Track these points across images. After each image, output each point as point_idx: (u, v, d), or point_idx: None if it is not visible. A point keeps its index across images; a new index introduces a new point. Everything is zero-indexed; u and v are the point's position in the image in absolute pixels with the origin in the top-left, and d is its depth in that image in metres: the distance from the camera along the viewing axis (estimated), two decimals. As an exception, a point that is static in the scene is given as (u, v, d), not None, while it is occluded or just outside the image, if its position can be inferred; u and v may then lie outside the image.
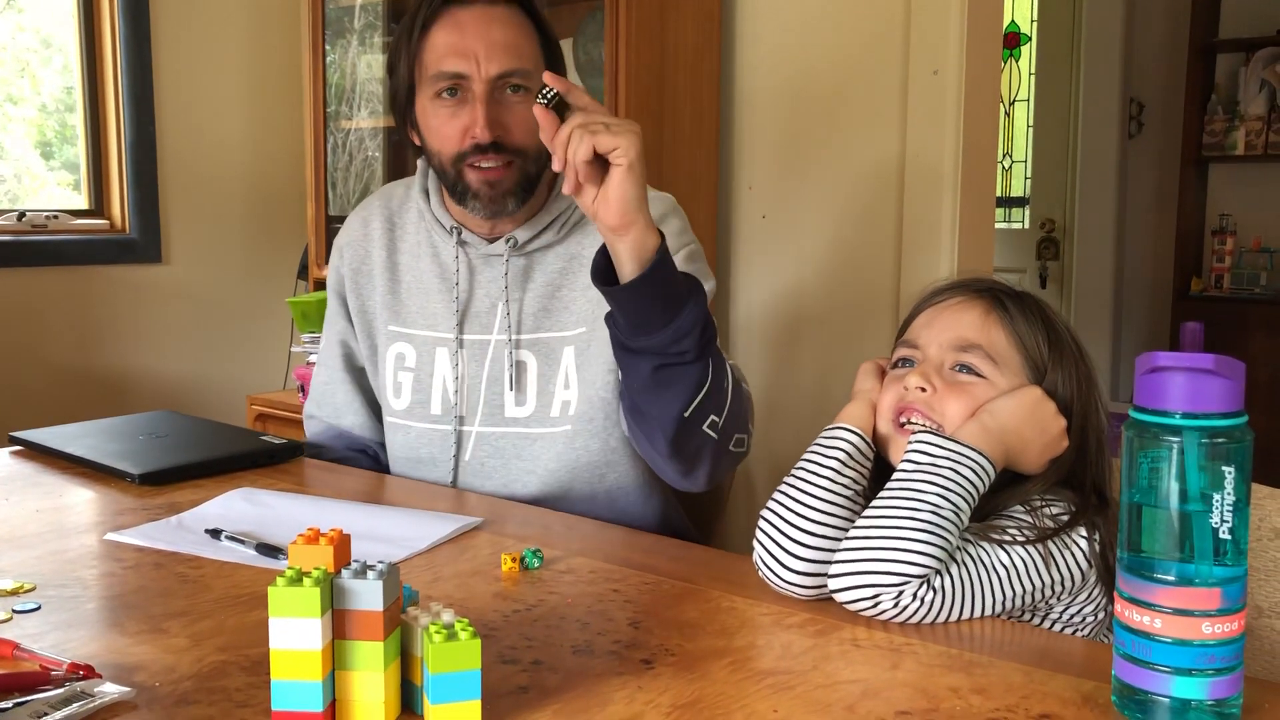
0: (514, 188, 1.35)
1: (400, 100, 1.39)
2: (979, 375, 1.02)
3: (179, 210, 3.08)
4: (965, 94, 2.19)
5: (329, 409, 1.56)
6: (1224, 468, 0.70)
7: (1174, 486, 0.71)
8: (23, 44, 2.92)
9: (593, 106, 1.13)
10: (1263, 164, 4.26)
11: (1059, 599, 0.98)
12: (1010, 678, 0.81)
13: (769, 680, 0.81)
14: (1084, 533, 0.97)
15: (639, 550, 1.13)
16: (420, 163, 1.47)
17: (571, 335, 1.38)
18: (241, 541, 1.10)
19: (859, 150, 2.34)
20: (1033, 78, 4.52)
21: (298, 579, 0.71)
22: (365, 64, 2.89)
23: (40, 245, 2.83)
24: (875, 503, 0.96)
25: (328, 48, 2.84)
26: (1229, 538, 0.70)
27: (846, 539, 0.95)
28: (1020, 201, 4.63)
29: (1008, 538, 0.95)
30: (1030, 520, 0.97)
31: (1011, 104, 4.54)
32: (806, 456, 1.03)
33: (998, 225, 4.43)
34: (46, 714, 0.72)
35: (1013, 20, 4.44)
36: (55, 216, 2.90)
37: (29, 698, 0.74)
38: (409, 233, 1.49)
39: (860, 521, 0.95)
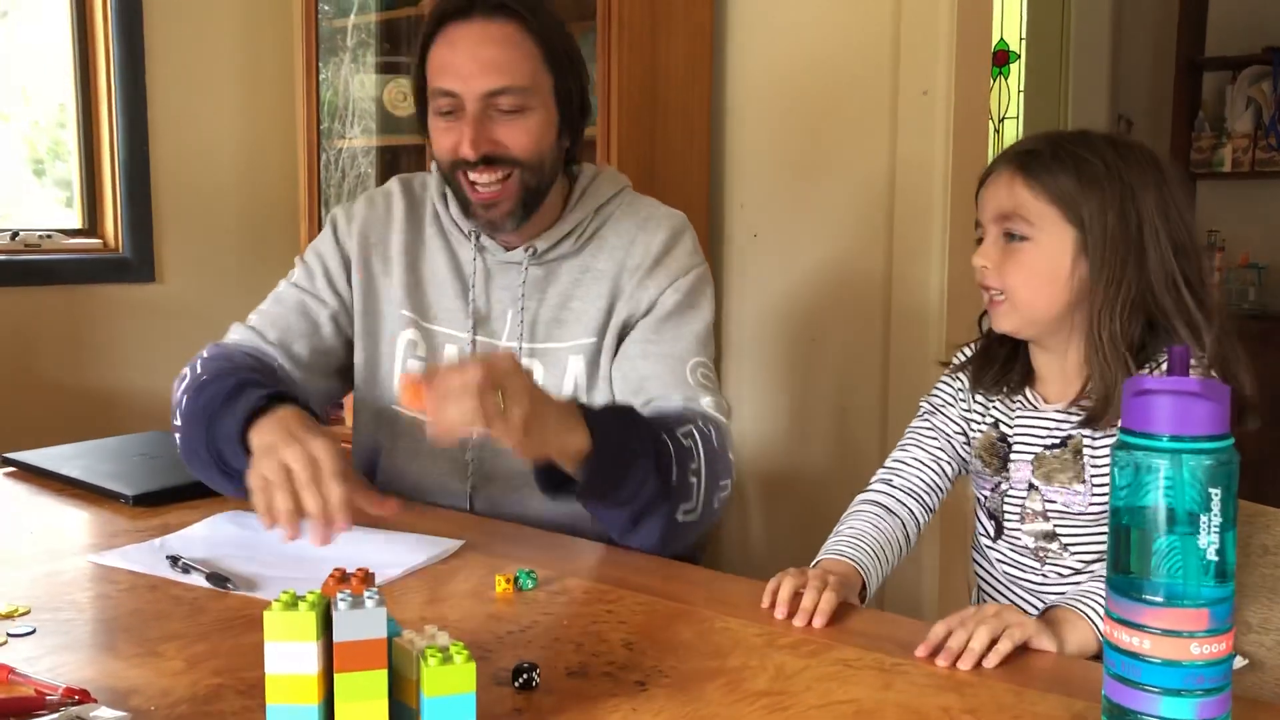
0: (514, 207, 1.34)
1: (418, 110, 1.40)
2: (1024, 238, 1.15)
3: (172, 229, 3.08)
4: (955, 112, 2.21)
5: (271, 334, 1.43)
6: (1211, 490, 0.70)
7: (1162, 508, 0.71)
8: (15, 60, 2.93)
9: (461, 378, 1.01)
10: (1250, 181, 4.29)
11: None
12: (1001, 698, 0.82)
13: (763, 701, 0.81)
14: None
15: (632, 571, 1.14)
16: (434, 165, 1.47)
17: (580, 344, 1.39)
18: (196, 569, 1.09)
19: (850, 170, 2.35)
20: (1022, 95, 4.54)
21: (293, 603, 0.71)
22: (358, 82, 2.90)
23: (33, 264, 2.83)
24: None
25: (321, 66, 2.85)
26: (1217, 559, 0.71)
27: None
28: (1010, 218, 4.65)
29: None
30: None
31: (1001, 121, 4.56)
32: None
33: (988, 241, 4.47)
34: (42, 739, 0.73)
35: (1001, 39, 4.46)
36: (49, 236, 2.90)
37: (25, 722, 0.74)
38: (428, 226, 1.48)
39: None
